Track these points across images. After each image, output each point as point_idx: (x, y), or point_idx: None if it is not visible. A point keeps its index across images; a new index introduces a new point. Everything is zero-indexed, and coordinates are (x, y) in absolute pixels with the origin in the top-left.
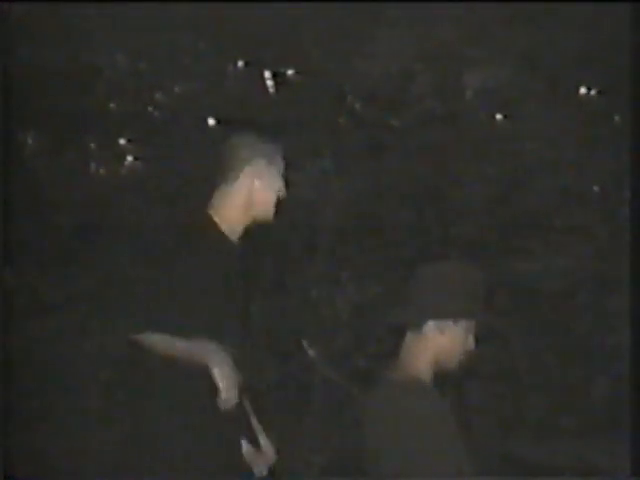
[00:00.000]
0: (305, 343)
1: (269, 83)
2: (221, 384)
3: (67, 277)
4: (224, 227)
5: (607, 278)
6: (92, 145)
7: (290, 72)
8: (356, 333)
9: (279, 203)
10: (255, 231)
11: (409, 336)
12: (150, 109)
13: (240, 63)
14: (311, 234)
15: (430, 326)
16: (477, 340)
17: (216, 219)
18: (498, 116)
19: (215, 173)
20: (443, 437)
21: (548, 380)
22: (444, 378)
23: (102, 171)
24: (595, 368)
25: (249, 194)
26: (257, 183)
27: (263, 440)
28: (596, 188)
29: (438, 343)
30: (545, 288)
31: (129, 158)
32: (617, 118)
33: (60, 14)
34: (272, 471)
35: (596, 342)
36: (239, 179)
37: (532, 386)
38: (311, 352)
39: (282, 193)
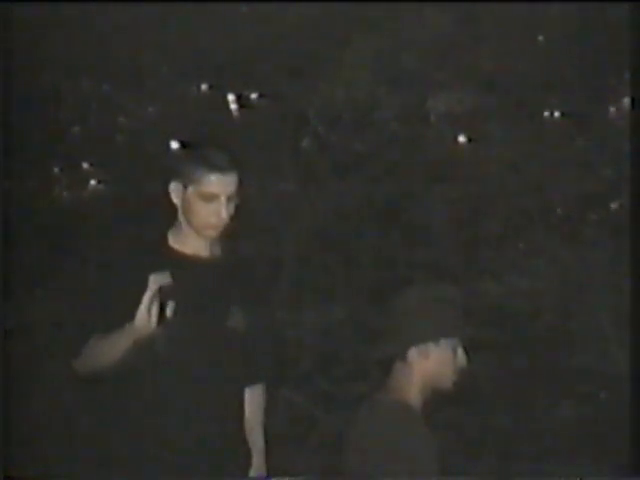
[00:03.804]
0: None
1: (233, 106)
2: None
3: (30, 302)
4: (185, 249)
5: (572, 300)
6: (55, 169)
7: (254, 95)
8: (321, 356)
9: (235, 224)
10: (217, 254)
11: (397, 365)
12: (113, 132)
13: (204, 86)
14: (275, 256)
15: (413, 353)
16: (467, 354)
17: (174, 244)
18: (462, 139)
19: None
20: (421, 464)
21: (513, 402)
22: (435, 404)
23: (65, 195)
24: (560, 390)
25: (196, 214)
26: (203, 205)
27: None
28: (559, 210)
29: (424, 368)
30: (510, 310)
31: (92, 182)
32: (580, 140)
33: (24, 34)
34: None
35: (561, 364)
36: (185, 200)
37: (497, 407)
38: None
39: (223, 216)
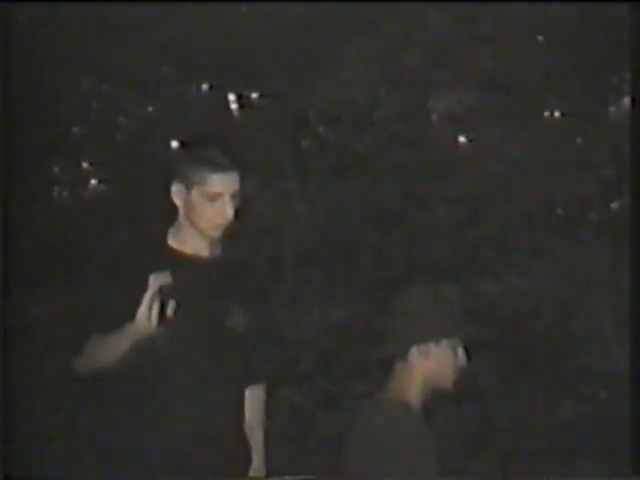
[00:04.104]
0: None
1: (233, 106)
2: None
3: (30, 302)
4: (185, 249)
5: (572, 300)
6: (55, 169)
7: (254, 95)
8: (321, 356)
9: (237, 224)
10: (217, 253)
11: (397, 365)
12: (113, 132)
13: (204, 86)
14: (275, 256)
15: (414, 352)
16: (468, 354)
17: (174, 244)
18: (462, 139)
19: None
20: (421, 464)
21: (513, 401)
22: (435, 403)
23: (65, 194)
24: (560, 390)
25: (201, 215)
26: (208, 205)
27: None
28: (559, 210)
29: (425, 368)
30: (510, 310)
31: (92, 182)
32: (580, 140)
33: (25, 34)
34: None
35: (561, 364)
36: (188, 202)
37: (497, 407)
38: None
39: (228, 215)
